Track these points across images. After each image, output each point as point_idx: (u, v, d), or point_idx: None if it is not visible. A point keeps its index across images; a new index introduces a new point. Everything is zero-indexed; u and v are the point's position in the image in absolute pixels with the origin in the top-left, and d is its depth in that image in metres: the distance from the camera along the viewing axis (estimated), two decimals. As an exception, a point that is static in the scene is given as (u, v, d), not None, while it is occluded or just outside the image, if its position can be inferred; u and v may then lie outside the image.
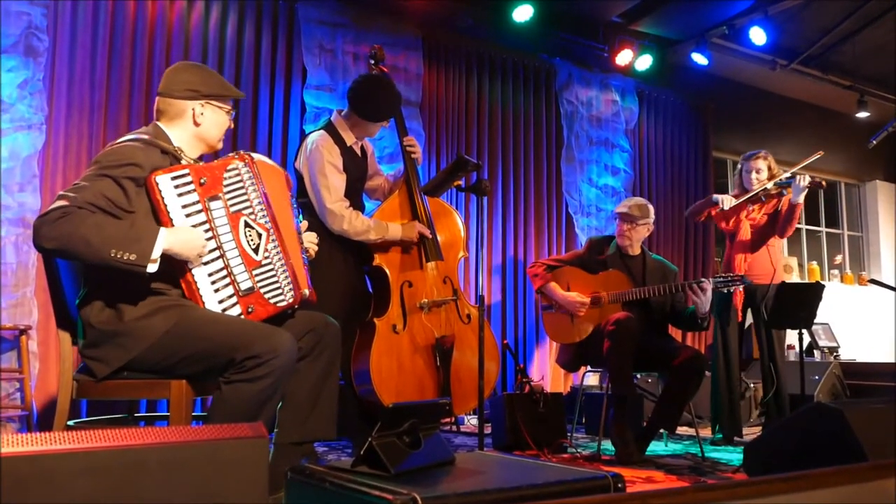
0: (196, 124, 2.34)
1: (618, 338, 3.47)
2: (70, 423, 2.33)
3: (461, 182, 3.60)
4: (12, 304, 3.85)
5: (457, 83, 5.72)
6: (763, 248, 4.24)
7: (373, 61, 3.63)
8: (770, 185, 4.16)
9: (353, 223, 3.28)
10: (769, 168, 4.22)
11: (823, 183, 4.13)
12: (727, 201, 4.17)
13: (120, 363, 2.15)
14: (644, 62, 6.42)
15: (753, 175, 4.20)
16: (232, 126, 2.46)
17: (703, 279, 3.67)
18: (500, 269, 5.76)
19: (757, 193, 4.16)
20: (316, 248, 2.64)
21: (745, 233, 4.27)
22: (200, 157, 2.41)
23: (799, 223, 8.37)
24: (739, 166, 4.34)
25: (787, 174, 4.22)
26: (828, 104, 8.13)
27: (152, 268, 2.02)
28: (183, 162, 2.27)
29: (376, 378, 3.21)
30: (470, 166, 3.61)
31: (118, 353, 2.14)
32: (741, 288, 3.91)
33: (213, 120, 2.37)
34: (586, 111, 6.38)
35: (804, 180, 4.01)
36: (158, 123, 2.34)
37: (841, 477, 1.17)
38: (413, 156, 3.57)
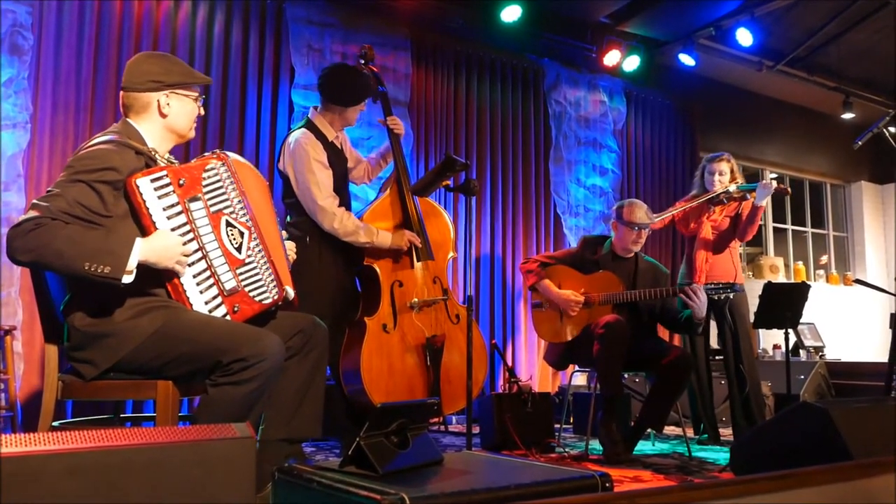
0: (163, 115, 2.29)
1: (608, 341, 3.48)
2: (55, 423, 2.31)
3: (449, 182, 3.59)
4: (-3, 305, 3.82)
5: (445, 83, 5.72)
6: (725, 250, 4.26)
7: (363, 61, 3.63)
8: (732, 187, 4.19)
9: (344, 222, 3.27)
10: (731, 171, 4.25)
11: (789, 190, 4.17)
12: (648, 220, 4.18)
13: (108, 364, 2.13)
14: (632, 63, 6.44)
15: (716, 177, 4.23)
16: (202, 113, 2.41)
17: (692, 283, 3.67)
18: (489, 269, 5.76)
19: (718, 195, 4.19)
20: (294, 255, 2.63)
21: (707, 233, 4.28)
22: (182, 157, 2.39)
23: (784, 223, 8.42)
24: (702, 167, 4.36)
25: (741, 183, 4.26)
26: (813, 105, 8.19)
27: (127, 279, 1.99)
28: (159, 162, 2.24)
29: (367, 378, 3.20)
30: (458, 166, 3.60)
31: (105, 354, 2.13)
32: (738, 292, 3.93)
33: (179, 110, 2.32)
34: (574, 111, 6.39)
35: (770, 187, 4.04)
36: (128, 120, 2.29)
37: (826, 476, 1.18)
38: (395, 131, 3.56)
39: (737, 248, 4.33)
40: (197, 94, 2.37)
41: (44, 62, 4.08)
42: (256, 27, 4.87)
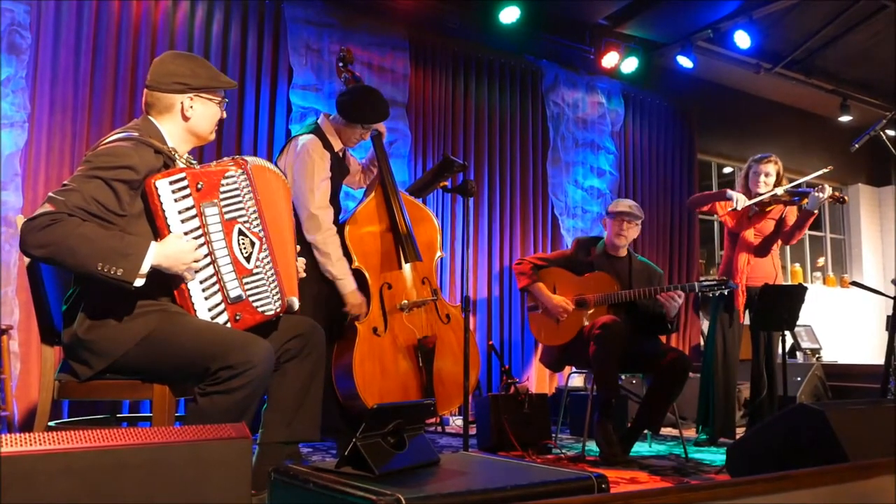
0: (185, 118, 2.28)
1: (604, 342, 3.48)
2: (51, 423, 2.31)
3: (447, 183, 3.58)
4: (-7, 304, 3.81)
5: (443, 84, 5.72)
6: (768, 253, 4.24)
7: (341, 63, 3.61)
8: (780, 190, 4.10)
9: (328, 241, 3.21)
10: (777, 173, 4.19)
11: (846, 198, 4.09)
12: (741, 201, 4.08)
13: (101, 366, 2.13)
14: (630, 65, 6.45)
15: (762, 178, 4.15)
16: (224, 116, 2.40)
17: (692, 283, 3.68)
18: (486, 270, 5.76)
19: (770, 197, 4.11)
20: (304, 274, 2.60)
21: (749, 235, 4.24)
22: (196, 155, 2.37)
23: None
24: (747, 168, 4.28)
25: (796, 183, 4.22)
26: (811, 108, 8.20)
27: (139, 282, 1.98)
28: (178, 163, 2.23)
29: (360, 381, 3.20)
30: (456, 167, 3.60)
31: (99, 356, 2.12)
32: (732, 289, 3.92)
33: (202, 113, 2.30)
34: (572, 113, 6.40)
35: (825, 192, 3.97)
36: (149, 117, 2.28)
37: (822, 477, 1.18)
38: (378, 130, 3.54)
39: (777, 250, 4.30)
40: (221, 98, 2.35)
41: (41, 61, 4.08)
42: (255, 27, 4.87)
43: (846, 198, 4.08)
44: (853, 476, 1.21)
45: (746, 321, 4.31)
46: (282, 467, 1.73)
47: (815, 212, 4.06)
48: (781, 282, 4.23)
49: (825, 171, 4.20)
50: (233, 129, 4.69)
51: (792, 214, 4.21)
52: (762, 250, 4.24)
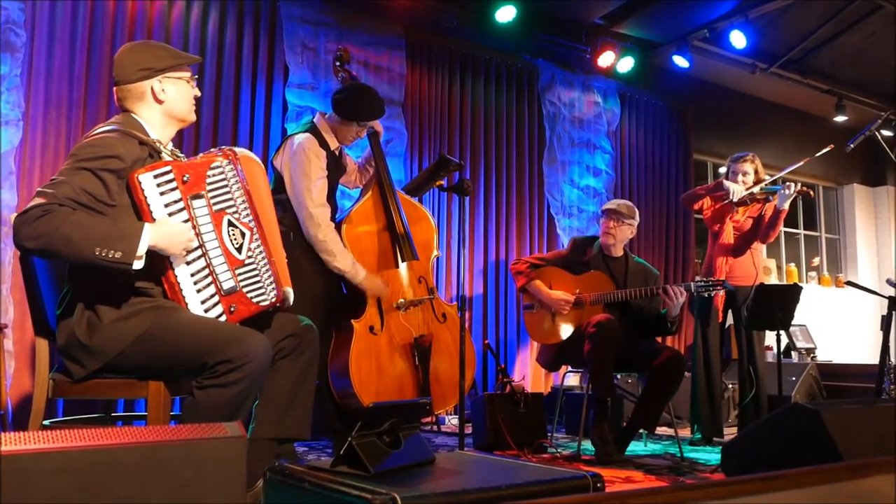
0: (159, 101, 2.26)
1: (599, 340, 3.48)
2: (46, 422, 2.30)
3: (443, 182, 3.58)
4: (-13, 302, 3.80)
5: (440, 83, 5.72)
6: (746, 251, 4.25)
7: (338, 63, 3.61)
8: (757, 189, 4.15)
9: (328, 238, 3.21)
10: (756, 171, 4.22)
11: (811, 192, 4.12)
12: (737, 192, 4.09)
13: (95, 366, 2.13)
14: (626, 64, 6.45)
15: (740, 178, 4.18)
16: (199, 94, 2.38)
17: (688, 283, 3.70)
18: (482, 269, 5.76)
19: (747, 195, 4.14)
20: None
21: (728, 236, 4.25)
22: (191, 152, 2.36)
23: (777, 225, 8.44)
24: (726, 168, 4.32)
25: (774, 178, 4.25)
26: (806, 108, 8.22)
27: (138, 264, 1.97)
28: (164, 156, 2.23)
29: (356, 380, 3.19)
30: (452, 166, 3.60)
31: (93, 356, 2.12)
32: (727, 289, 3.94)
33: (176, 93, 2.29)
34: (568, 112, 6.40)
35: (791, 188, 4.01)
36: (127, 112, 2.27)
37: (817, 477, 1.18)
38: (375, 129, 3.53)
39: (759, 248, 4.31)
40: (190, 75, 2.34)
41: (36, 59, 4.06)
42: (251, 25, 4.86)
43: (812, 192, 4.12)
44: (848, 476, 1.22)
45: (730, 320, 4.33)
46: (277, 466, 1.73)
47: (785, 208, 4.08)
48: (762, 281, 4.25)
49: (827, 150, 4.23)
50: (229, 128, 4.69)
51: (770, 213, 4.22)
52: (738, 250, 4.25)
